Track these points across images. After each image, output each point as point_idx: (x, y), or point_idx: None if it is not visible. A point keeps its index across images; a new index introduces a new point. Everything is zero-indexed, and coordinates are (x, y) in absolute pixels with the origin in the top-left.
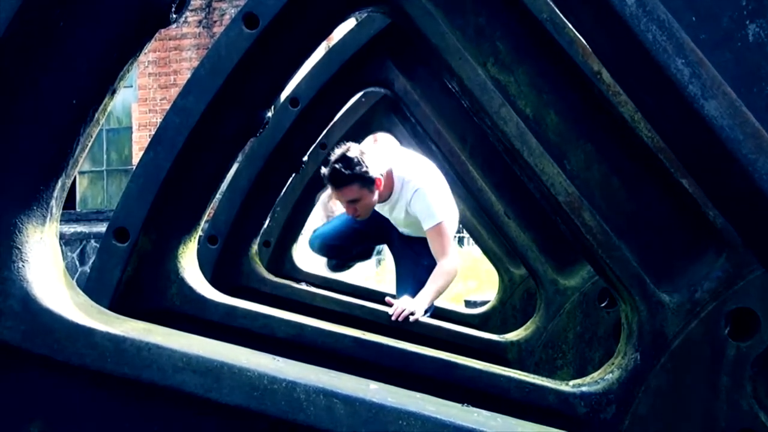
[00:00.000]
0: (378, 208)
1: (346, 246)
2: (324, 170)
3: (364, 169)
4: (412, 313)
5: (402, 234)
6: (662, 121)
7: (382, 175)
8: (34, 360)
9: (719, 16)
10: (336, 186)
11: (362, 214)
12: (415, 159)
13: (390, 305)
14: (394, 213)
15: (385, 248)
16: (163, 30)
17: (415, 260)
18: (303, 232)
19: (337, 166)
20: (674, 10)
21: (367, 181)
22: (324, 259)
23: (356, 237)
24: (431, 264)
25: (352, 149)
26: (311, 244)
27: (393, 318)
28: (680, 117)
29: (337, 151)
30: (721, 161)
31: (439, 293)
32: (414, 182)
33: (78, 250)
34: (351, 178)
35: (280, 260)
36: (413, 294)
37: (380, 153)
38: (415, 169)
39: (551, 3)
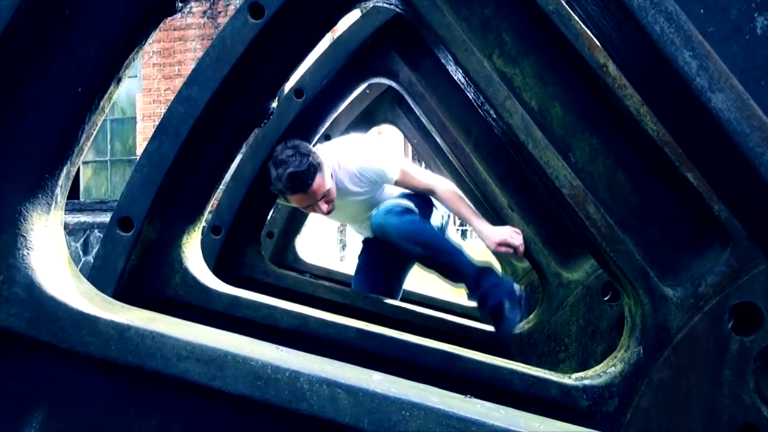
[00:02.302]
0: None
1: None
2: (277, 185)
3: (311, 156)
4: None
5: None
6: (668, 114)
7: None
8: (38, 347)
9: (727, 8)
10: (304, 189)
11: (333, 207)
12: (329, 147)
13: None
14: (354, 198)
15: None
16: (167, 20)
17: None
18: (306, 223)
19: (290, 169)
20: (682, 3)
21: (321, 166)
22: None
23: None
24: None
25: (280, 151)
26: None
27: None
28: (687, 110)
29: (271, 164)
30: (728, 154)
31: (469, 209)
32: (348, 160)
33: (81, 240)
34: (313, 171)
35: (284, 251)
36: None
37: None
38: (335, 147)
39: None
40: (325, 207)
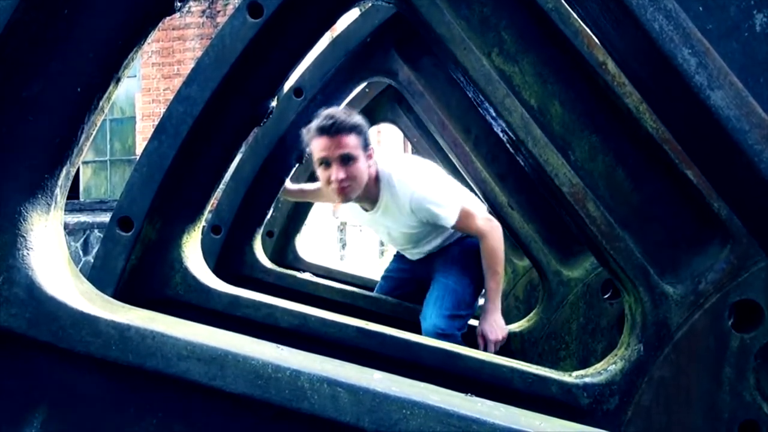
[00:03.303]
0: (367, 217)
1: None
2: (308, 129)
3: (365, 127)
4: (503, 335)
5: (418, 260)
6: (668, 112)
7: (374, 153)
8: (38, 347)
9: (726, 5)
10: (331, 132)
11: (351, 190)
12: (393, 156)
13: (482, 341)
14: (388, 219)
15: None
16: (166, 20)
17: (441, 257)
18: (306, 222)
19: (332, 112)
20: (681, 0)
21: (365, 138)
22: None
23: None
24: (459, 254)
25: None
26: None
27: (492, 352)
28: (686, 107)
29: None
30: (727, 152)
31: (501, 279)
32: (406, 180)
33: (81, 240)
34: (350, 125)
35: (284, 250)
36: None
37: None
38: (398, 162)
39: None
40: (340, 175)
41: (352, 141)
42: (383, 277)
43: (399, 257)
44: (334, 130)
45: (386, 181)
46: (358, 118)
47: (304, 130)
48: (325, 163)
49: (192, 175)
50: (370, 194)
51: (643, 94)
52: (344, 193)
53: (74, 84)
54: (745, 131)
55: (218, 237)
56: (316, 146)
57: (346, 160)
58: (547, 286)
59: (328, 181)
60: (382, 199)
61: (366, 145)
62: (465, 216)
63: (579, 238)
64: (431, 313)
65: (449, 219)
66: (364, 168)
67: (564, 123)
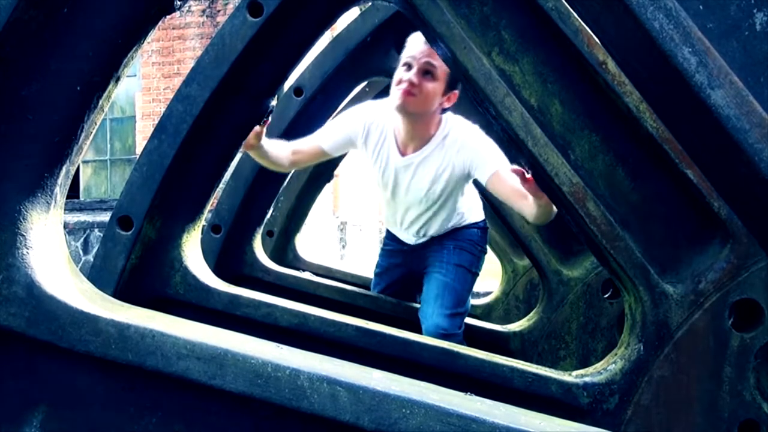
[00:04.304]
0: (397, 162)
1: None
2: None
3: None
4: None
5: (414, 249)
6: (668, 111)
7: (456, 96)
8: (38, 346)
9: (727, 4)
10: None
11: (413, 100)
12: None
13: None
14: (421, 171)
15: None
16: (166, 19)
17: (438, 249)
18: (306, 221)
19: None
20: None
21: (454, 80)
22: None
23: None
24: (459, 246)
25: None
26: None
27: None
28: (686, 106)
29: None
30: (727, 151)
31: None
32: (464, 138)
33: (81, 240)
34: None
35: (284, 250)
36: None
37: None
38: (467, 129)
39: None
40: (416, 78)
41: (443, 66)
42: (377, 274)
43: (389, 252)
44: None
45: (445, 129)
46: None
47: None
48: (407, 65)
49: (192, 175)
50: (424, 131)
51: (644, 93)
52: (407, 96)
53: (74, 83)
54: (745, 130)
55: (218, 236)
56: (409, 46)
57: (427, 73)
58: (547, 285)
59: (399, 82)
60: (432, 144)
61: (451, 85)
62: (504, 176)
63: (579, 238)
64: (432, 312)
65: (488, 168)
66: (436, 94)
67: (564, 122)
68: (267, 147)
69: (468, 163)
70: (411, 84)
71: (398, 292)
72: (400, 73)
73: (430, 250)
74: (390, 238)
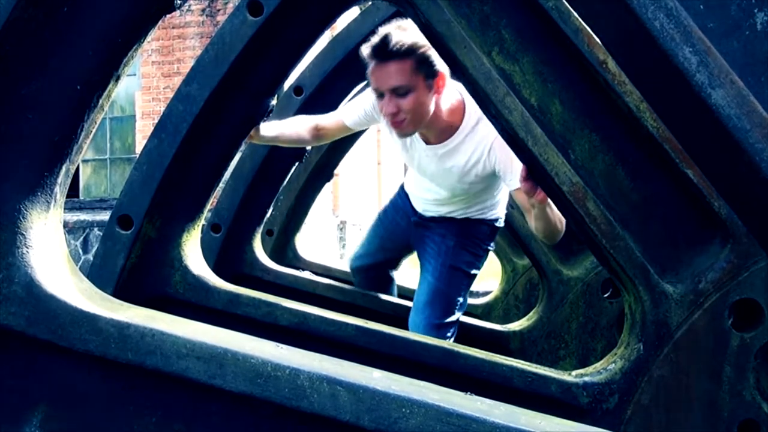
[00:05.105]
0: (423, 151)
1: (380, 261)
2: (369, 41)
3: (426, 50)
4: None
5: (423, 219)
6: (668, 111)
7: (446, 75)
8: (38, 345)
9: (727, 4)
10: (381, 57)
11: (407, 124)
12: None
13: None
14: (450, 162)
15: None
16: (166, 18)
17: (438, 240)
18: (306, 221)
19: (389, 29)
20: None
21: (427, 66)
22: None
23: (386, 250)
24: (460, 243)
25: (397, 25)
26: (351, 267)
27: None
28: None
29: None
30: (728, 151)
31: (553, 220)
32: (490, 128)
33: (81, 239)
34: (407, 50)
35: (283, 249)
36: (439, 290)
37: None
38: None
39: None
40: (391, 109)
41: (406, 68)
42: (380, 216)
43: (398, 207)
44: (384, 54)
45: (471, 118)
46: (417, 38)
47: (362, 46)
48: (378, 94)
49: (192, 174)
50: (445, 127)
51: (644, 92)
52: (399, 128)
53: (74, 82)
54: (745, 130)
55: (218, 235)
56: (369, 72)
57: (400, 92)
58: (547, 285)
59: (382, 113)
60: (459, 136)
61: (429, 73)
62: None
63: (579, 237)
64: (419, 323)
65: (516, 180)
66: (425, 99)
67: (564, 122)
68: (274, 132)
69: (500, 168)
70: (392, 114)
71: (387, 249)
72: (379, 104)
73: (433, 234)
74: (403, 196)
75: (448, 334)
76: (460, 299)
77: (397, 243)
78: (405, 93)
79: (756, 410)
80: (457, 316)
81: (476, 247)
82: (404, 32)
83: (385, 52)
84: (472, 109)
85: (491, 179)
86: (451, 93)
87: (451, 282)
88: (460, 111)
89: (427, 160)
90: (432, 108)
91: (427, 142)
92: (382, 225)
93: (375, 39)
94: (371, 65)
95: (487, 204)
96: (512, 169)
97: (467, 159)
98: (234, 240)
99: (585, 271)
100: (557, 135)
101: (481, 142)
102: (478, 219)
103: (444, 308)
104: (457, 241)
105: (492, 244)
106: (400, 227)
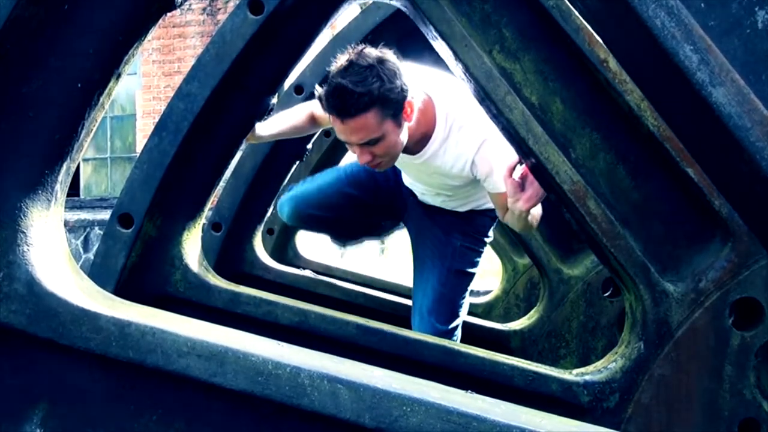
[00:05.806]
0: (408, 160)
1: (332, 218)
2: (319, 90)
3: (387, 84)
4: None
5: (424, 203)
6: (669, 109)
7: (413, 98)
8: (39, 343)
9: (728, 2)
10: (342, 115)
11: (384, 164)
12: (453, 84)
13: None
14: (432, 169)
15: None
16: (167, 17)
17: (444, 240)
18: None
19: (343, 81)
20: None
21: (391, 105)
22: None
23: (351, 208)
24: (466, 244)
25: (366, 54)
26: (280, 208)
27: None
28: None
29: (341, 59)
30: (729, 149)
31: (530, 222)
32: (472, 126)
33: (82, 237)
34: (367, 102)
35: (284, 248)
36: (439, 292)
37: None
38: (464, 104)
39: None
40: (365, 158)
41: (371, 121)
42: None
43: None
44: (344, 113)
45: (443, 126)
46: (373, 83)
47: (316, 95)
48: (347, 143)
49: (192, 173)
50: (419, 138)
51: (645, 91)
52: (378, 168)
53: (74, 80)
54: (746, 128)
55: (219, 234)
56: (331, 122)
57: (368, 144)
58: (548, 284)
59: (358, 161)
60: (434, 143)
61: (396, 110)
62: (498, 199)
63: (579, 236)
64: (425, 331)
65: (501, 187)
66: (395, 139)
67: (565, 120)
68: (271, 131)
69: (481, 177)
70: (368, 163)
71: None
72: (349, 149)
73: (435, 230)
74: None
75: (454, 338)
76: (464, 301)
77: (377, 208)
78: (376, 142)
79: (756, 409)
80: (462, 318)
81: (479, 243)
82: (359, 77)
83: (345, 110)
84: (444, 111)
85: (467, 184)
86: (419, 101)
87: (456, 287)
88: (431, 116)
89: (412, 167)
90: (405, 137)
91: (406, 152)
92: (358, 185)
93: (330, 92)
94: (331, 118)
95: (487, 197)
96: (493, 174)
97: (450, 166)
98: (235, 239)
99: (585, 270)
100: (558, 134)
101: (462, 155)
102: (481, 210)
103: (449, 314)
104: (462, 241)
105: (491, 235)
106: (384, 193)
